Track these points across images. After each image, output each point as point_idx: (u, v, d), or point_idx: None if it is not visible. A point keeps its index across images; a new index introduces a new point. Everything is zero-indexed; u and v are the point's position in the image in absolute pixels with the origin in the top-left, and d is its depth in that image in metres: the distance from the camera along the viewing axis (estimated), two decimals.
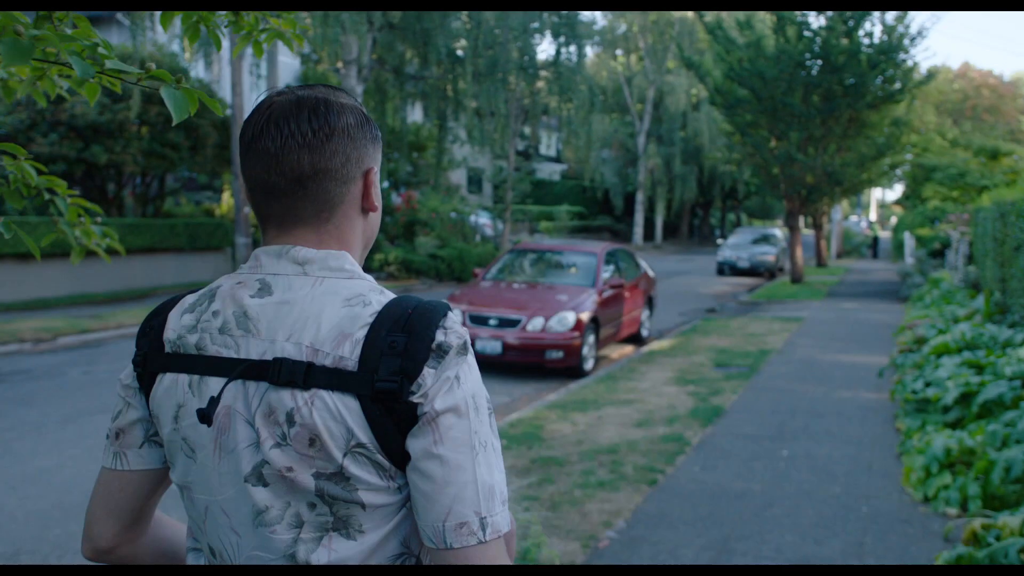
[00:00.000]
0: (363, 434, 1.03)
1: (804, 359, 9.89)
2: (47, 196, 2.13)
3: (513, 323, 9.29)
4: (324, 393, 1.03)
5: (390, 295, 1.12)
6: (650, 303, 12.51)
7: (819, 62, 18.22)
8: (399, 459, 1.05)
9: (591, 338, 9.69)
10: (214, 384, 1.10)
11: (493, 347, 9.18)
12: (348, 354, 1.04)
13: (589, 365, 9.64)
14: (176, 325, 1.16)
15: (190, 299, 1.19)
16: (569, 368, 9.37)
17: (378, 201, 1.21)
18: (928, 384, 6.52)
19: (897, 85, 18.64)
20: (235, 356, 1.09)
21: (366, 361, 1.03)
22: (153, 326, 1.20)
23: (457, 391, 1.05)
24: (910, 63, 18.64)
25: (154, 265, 18.06)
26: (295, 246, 1.13)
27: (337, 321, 1.06)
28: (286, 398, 1.05)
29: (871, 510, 4.75)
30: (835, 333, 12.17)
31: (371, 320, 1.06)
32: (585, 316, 9.50)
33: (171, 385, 1.14)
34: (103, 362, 10.03)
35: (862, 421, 6.77)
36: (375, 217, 1.23)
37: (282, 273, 1.12)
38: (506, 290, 10.40)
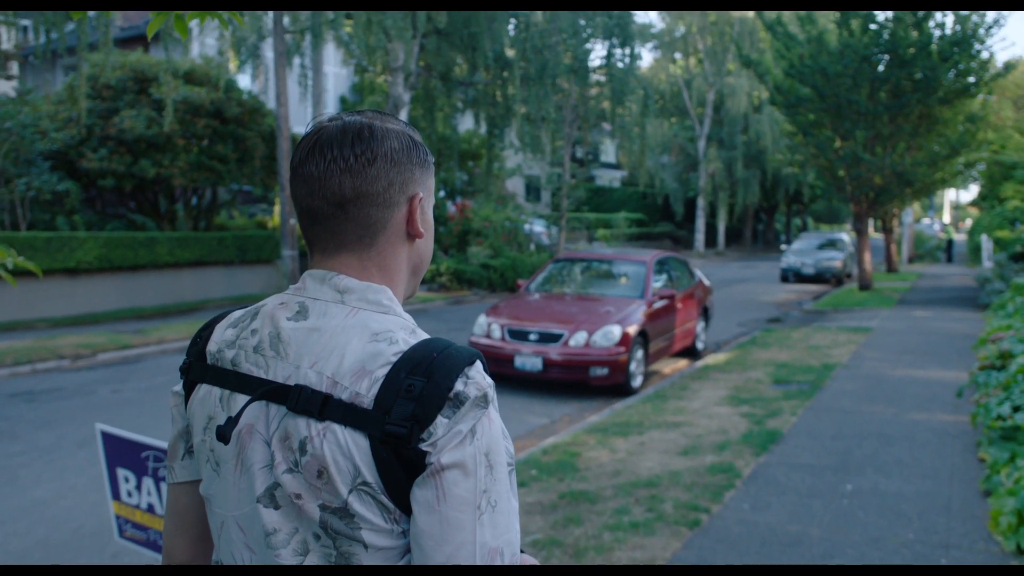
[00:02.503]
0: (369, 474, 1.02)
1: (872, 375, 9.09)
2: None
3: (555, 338, 8.72)
4: (337, 427, 1.02)
5: (422, 335, 1.10)
6: (705, 314, 11.80)
7: (886, 56, 17.21)
8: (404, 503, 1.03)
9: (639, 353, 9.06)
10: (240, 401, 1.11)
11: (534, 364, 8.63)
12: (365, 391, 1.03)
13: (637, 382, 9.01)
14: (219, 338, 1.18)
15: (236, 314, 1.22)
16: (615, 386, 8.76)
17: (425, 227, 1.19)
18: (1017, 409, 5.73)
19: (971, 79, 17.48)
20: (264, 376, 1.10)
21: (381, 401, 1.02)
22: (202, 337, 1.22)
23: (468, 447, 1.02)
24: (985, 55, 17.45)
25: (203, 278, 17.98)
26: (338, 274, 1.14)
27: (360, 356, 1.05)
28: (301, 426, 1.04)
29: (952, 562, 4.05)
30: (907, 345, 11.29)
31: (394, 359, 1.04)
32: (632, 329, 8.88)
33: (205, 396, 1.16)
34: (135, 380, 9.78)
35: (938, 449, 6.02)
36: (423, 243, 1.22)
37: (321, 299, 1.13)
38: (549, 303, 9.84)
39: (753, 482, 5.32)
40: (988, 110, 19.71)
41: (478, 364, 1.07)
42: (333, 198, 1.12)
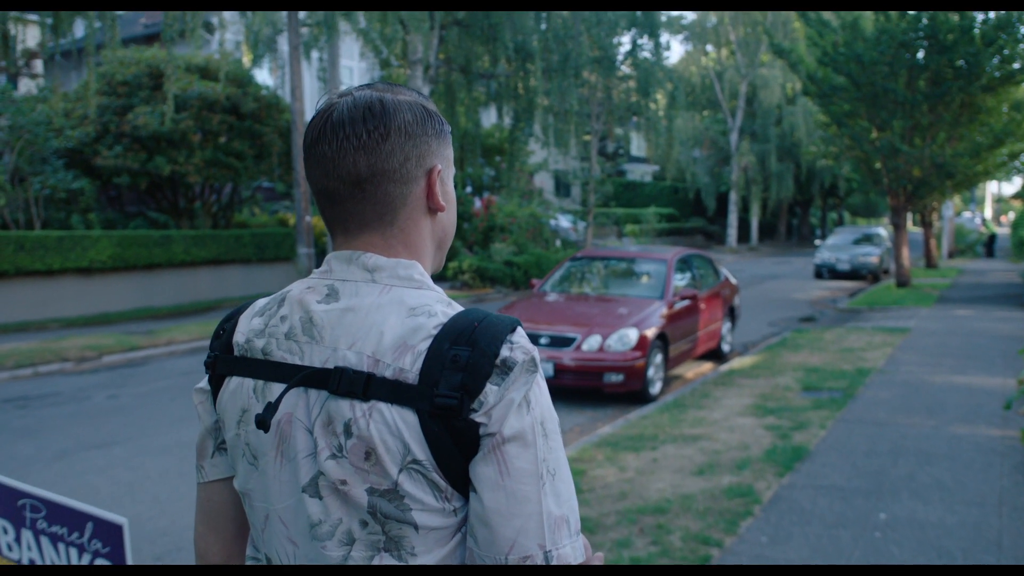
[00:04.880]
0: (420, 450, 1.00)
1: (910, 381, 8.45)
2: None
3: (567, 342, 8.19)
4: (383, 406, 1.01)
5: (458, 307, 1.09)
6: (732, 314, 11.19)
7: (925, 42, 16.38)
8: (456, 480, 1.02)
9: (657, 358, 8.51)
10: (277, 390, 1.08)
11: (544, 369, 8.11)
12: (409, 366, 1.01)
13: (655, 389, 8.46)
14: (245, 329, 1.16)
15: (261, 303, 1.19)
16: (631, 393, 8.22)
17: (446, 200, 1.17)
18: None
19: (1017, 65, 16.59)
20: (299, 362, 1.08)
21: (427, 374, 1.00)
22: (225, 329, 1.19)
23: (526, 417, 1.01)
24: None
25: (221, 277, 17.70)
26: (365, 252, 1.11)
27: (400, 331, 1.03)
28: (345, 408, 1.02)
29: None
30: (947, 347, 10.60)
31: (435, 332, 1.03)
32: (650, 332, 8.33)
33: (237, 389, 1.13)
34: (135, 384, 9.43)
35: (985, 471, 5.40)
36: (446, 216, 1.18)
37: (351, 279, 1.11)
38: (562, 303, 9.31)
39: (774, 508, 4.77)
40: None
41: (520, 330, 1.06)
42: (349, 177, 1.09)
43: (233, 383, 1.14)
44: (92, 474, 5.96)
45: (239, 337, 1.15)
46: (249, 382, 1.12)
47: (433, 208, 1.15)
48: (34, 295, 14.27)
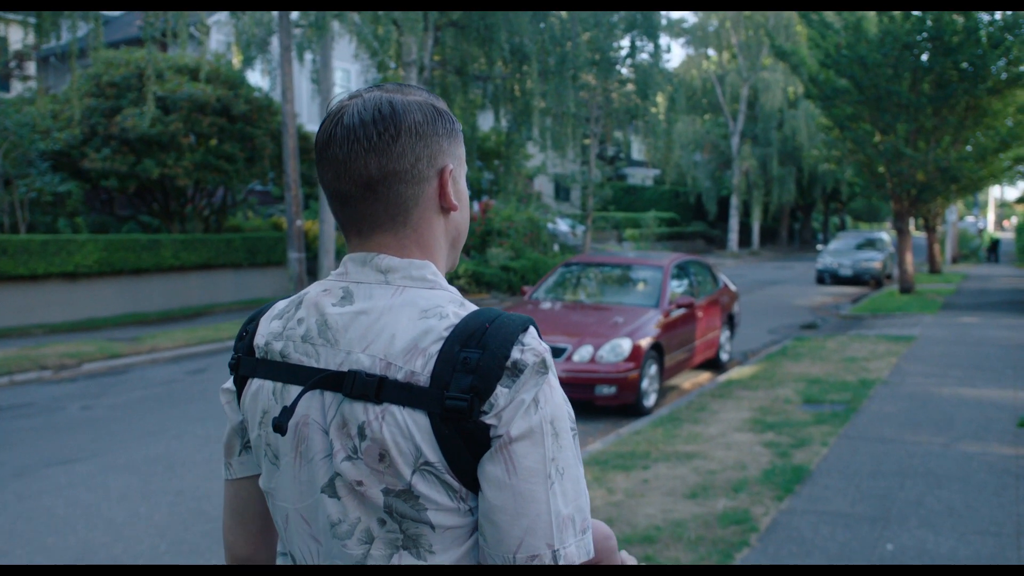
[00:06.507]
0: (431, 453, 1.01)
1: (916, 393, 8.10)
2: None
3: (557, 352, 7.85)
4: (395, 408, 1.01)
5: (471, 307, 1.08)
6: (731, 322, 10.84)
7: (929, 44, 16.03)
8: (470, 480, 1.02)
9: (652, 369, 8.15)
10: (294, 392, 1.10)
11: None
12: (420, 369, 1.02)
13: (650, 401, 8.11)
14: (265, 331, 1.17)
15: (280, 305, 1.20)
16: (625, 406, 7.87)
17: (459, 199, 1.17)
18: None
19: (1023, 67, 16.26)
20: (315, 365, 1.09)
21: (438, 377, 1.00)
22: (248, 331, 1.20)
23: (534, 416, 1.01)
24: None
25: (211, 282, 17.36)
26: (379, 254, 1.12)
27: (412, 334, 1.04)
28: (359, 411, 1.03)
29: None
30: (954, 357, 10.24)
31: (446, 334, 1.03)
32: (644, 342, 7.98)
33: (258, 390, 1.15)
34: (112, 394, 9.09)
35: (998, 494, 5.05)
36: (458, 216, 1.18)
37: (365, 281, 1.11)
38: (554, 312, 8.97)
39: (772, 537, 4.42)
40: None
41: (532, 330, 1.05)
42: (360, 179, 1.09)
43: (254, 385, 1.15)
44: (50, 494, 5.62)
45: (259, 340, 1.16)
46: (269, 384, 1.13)
47: (446, 207, 1.15)
48: (18, 300, 13.94)
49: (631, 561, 1.22)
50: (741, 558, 4.13)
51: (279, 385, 1.12)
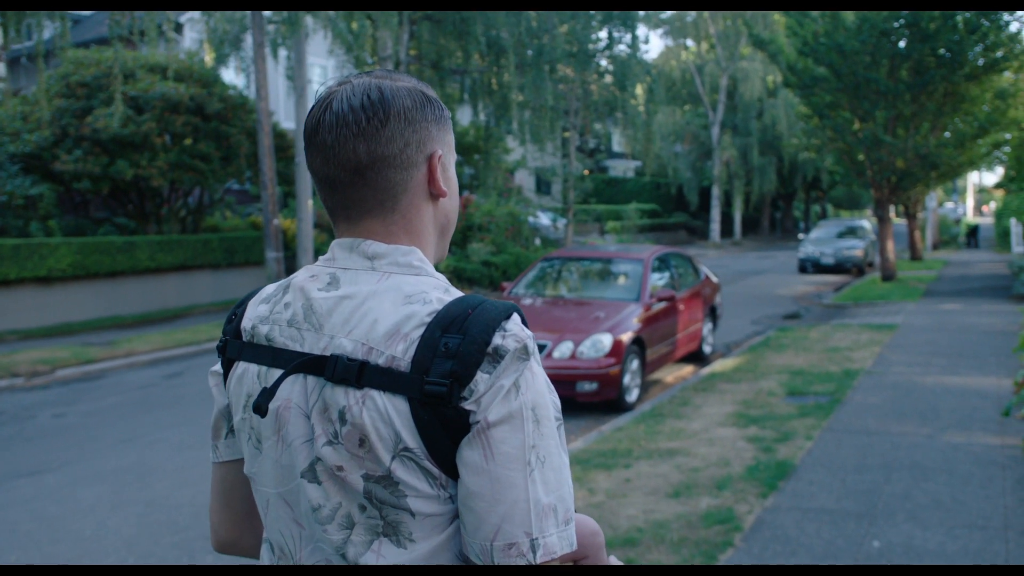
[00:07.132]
0: (411, 438, 1.00)
1: (900, 383, 8.04)
2: None
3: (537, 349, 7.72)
4: (376, 393, 1.00)
5: (456, 294, 1.07)
6: (713, 314, 10.76)
7: (907, 30, 16.00)
8: (450, 467, 1.01)
9: (634, 364, 8.06)
10: (277, 376, 1.08)
11: None
12: (401, 354, 1.00)
13: (632, 396, 8.01)
14: (252, 314, 1.17)
15: (269, 290, 1.20)
16: (607, 402, 7.76)
17: (448, 185, 1.16)
18: None
19: (1000, 53, 16.24)
20: (300, 349, 1.08)
21: (419, 362, 0.99)
22: (237, 314, 1.20)
23: (514, 401, 0.99)
24: (1015, 26, 16.22)
25: (189, 283, 17.12)
26: (366, 240, 1.11)
27: (394, 319, 1.03)
28: (340, 396, 1.02)
29: None
30: (937, 345, 10.20)
31: (428, 320, 1.02)
32: (626, 337, 7.88)
33: (243, 374, 1.14)
34: (85, 401, 8.90)
35: (985, 486, 4.97)
36: (447, 202, 1.18)
37: (352, 267, 1.11)
38: (533, 308, 8.84)
39: (756, 536, 4.32)
40: (1019, 86, 18.41)
41: (515, 317, 1.04)
42: (349, 165, 1.08)
43: (240, 368, 1.15)
44: (15, 507, 5.45)
45: (246, 323, 1.16)
46: (254, 367, 1.12)
47: (435, 194, 1.14)
48: None
49: (616, 563, 1.21)
50: (725, 559, 4.03)
51: (264, 368, 1.11)
